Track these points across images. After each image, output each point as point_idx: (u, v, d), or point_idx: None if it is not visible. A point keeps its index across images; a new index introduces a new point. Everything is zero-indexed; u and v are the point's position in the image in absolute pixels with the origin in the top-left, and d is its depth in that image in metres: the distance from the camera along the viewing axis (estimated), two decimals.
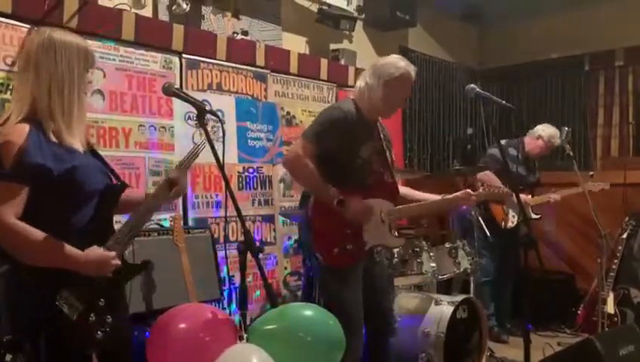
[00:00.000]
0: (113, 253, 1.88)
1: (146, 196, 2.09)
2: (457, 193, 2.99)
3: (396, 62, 2.78)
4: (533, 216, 4.62)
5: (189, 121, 3.90)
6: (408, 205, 2.96)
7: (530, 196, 4.64)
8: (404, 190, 3.06)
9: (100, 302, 1.86)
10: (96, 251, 1.85)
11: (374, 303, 2.84)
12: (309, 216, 2.73)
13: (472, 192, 2.98)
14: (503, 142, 4.87)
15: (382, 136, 2.90)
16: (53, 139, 1.83)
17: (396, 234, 2.93)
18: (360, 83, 2.83)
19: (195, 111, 2.14)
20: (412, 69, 2.79)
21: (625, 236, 4.74)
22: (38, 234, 1.76)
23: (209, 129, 2.15)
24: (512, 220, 4.64)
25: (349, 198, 2.64)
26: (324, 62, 4.94)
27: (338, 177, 2.68)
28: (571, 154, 4.52)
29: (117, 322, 1.89)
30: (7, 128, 1.80)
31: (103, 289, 1.87)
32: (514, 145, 4.87)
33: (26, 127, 1.78)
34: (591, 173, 4.92)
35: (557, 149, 4.99)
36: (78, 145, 1.89)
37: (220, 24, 4.33)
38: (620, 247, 4.65)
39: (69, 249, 1.80)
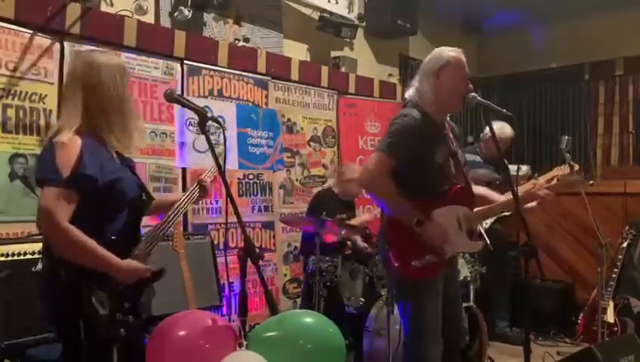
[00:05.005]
0: (145, 267, 2.05)
1: (172, 203, 2.32)
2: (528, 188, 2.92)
3: (439, 52, 2.71)
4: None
5: (190, 127, 3.92)
6: (482, 209, 2.84)
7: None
8: (479, 190, 2.92)
9: (126, 305, 2.01)
10: (133, 262, 2.03)
11: (449, 316, 2.72)
12: (386, 228, 2.66)
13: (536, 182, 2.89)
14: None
15: (452, 136, 2.79)
16: (110, 151, 2.04)
17: (477, 236, 2.83)
18: (411, 90, 2.74)
19: (197, 118, 2.17)
20: (457, 52, 2.72)
21: (625, 245, 4.72)
22: (86, 239, 1.92)
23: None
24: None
25: (427, 221, 2.54)
26: (324, 69, 4.96)
27: (413, 187, 2.56)
28: (572, 163, 4.51)
29: (137, 324, 2.05)
30: (61, 137, 1.96)
31: (128, 293, 2.02)
32: (471, 151, 4.89)
33: (78, 140, 1.95)
34: (591, 181, 4.92)
35: (560, 158, 4.97)
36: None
37: (221, 31, 4.34)
38: (620, 256, 4.64)
39: (111, 256, 1.96)
